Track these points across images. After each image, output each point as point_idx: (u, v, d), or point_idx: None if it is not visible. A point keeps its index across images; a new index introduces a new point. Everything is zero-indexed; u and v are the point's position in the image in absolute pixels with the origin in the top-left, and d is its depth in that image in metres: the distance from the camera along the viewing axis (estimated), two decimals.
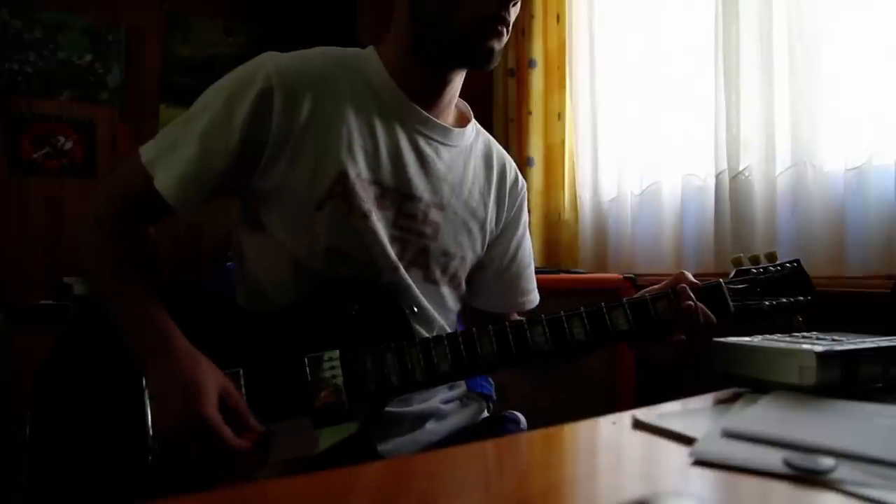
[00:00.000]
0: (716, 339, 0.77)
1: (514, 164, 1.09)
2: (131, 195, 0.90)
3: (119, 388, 0.85)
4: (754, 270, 0.95)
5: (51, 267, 2.70)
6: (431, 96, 0.94)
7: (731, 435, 0.53)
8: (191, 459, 0.78)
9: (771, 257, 0.95)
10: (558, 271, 2.03)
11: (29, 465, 0.87)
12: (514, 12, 0.90)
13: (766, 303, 0.92)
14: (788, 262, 0.96)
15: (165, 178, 0.87)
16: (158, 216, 0.91)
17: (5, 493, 2.13)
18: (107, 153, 2.88)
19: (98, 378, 0.88)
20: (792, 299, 0.93)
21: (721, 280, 0.92)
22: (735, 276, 0.95)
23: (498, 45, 0.88)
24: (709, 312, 0.87)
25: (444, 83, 0.94)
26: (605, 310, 0.87)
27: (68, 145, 2.81)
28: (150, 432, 0.82)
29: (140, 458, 0.82)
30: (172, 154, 0.87)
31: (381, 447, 0.89)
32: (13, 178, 2.71)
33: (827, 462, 0.45)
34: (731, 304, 0.90)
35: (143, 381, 0.84)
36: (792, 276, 0.94)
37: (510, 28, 0.90)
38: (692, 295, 0.87)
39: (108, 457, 0.85)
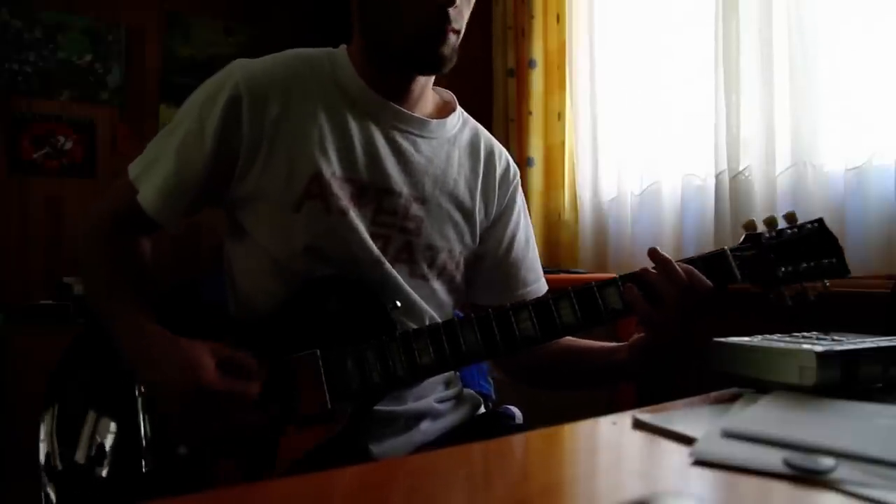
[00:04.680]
0: (716, 339, 0.77)
1: (505, 153, 1.07)
2: (121, 211, 0.93)
3: (122, 392, 0.86)
4: (767, 235, 0.84)
5: (51, 267, 2.70)
6: (401, 92, 0.94)
7: (731, 435, 0.53)
8: (212, 432, 0.80)
9: (790, 218, 0.84)
10: (558, 271, 2.03)
11: (42, 467, 0.87)
12: (464, 13, 0.88)
13: (782, 269, 0.83)
14: (809, 223, 0.84)
15: (146, 193, 0.89)
16: (149, 230, 0.94)
17: (5, 493, 2.13)
18: (107, 153, 2.88)
19: (108, 381, 0.89)
20: (813, 263, 0.82)
21: (725, 248, 0.84)
22: (744, 241, 0.85)
23: (447, 50, 0.87)
24: (700, 276, 0.81)
25: (409, 80, 0.93)
26: (595, 289, 0.83)
27: (68, 145, 2.81)
28: (143, 442, 0.83)
29: (134, 465, 0.83)
30: (153, 168, 0.90)
31: (375, 448, 0.88)
32: (13, 178, 2.71)
33: (827, 462, 0.44)
34: (737, 273, 0.83)
35: (136, 391, 0.85)
36: (813, 238, 0.83)
37: (461, 30, 0.88)
38: (663, 255, 0.82)
39: (106, 461, 0.85)
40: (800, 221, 0.85)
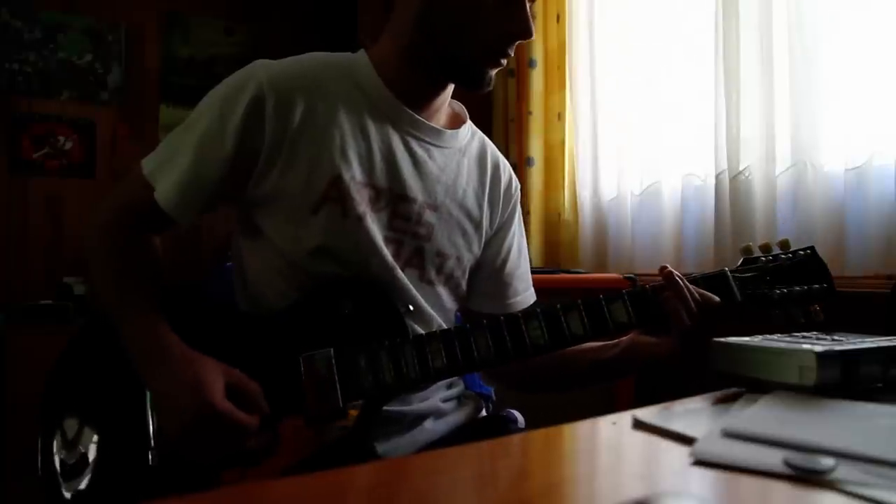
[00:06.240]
0: (716, 339, 0.77)
1: (508, 166, 1.09)
2: (135, 207, 0.92)
3: (125, 389, 0.86)
4: (763, 258, 0.91)
5: (51, 267, 2.70)
6: (423, 100, 0.94)
7: (731, 435, 0.53)
8: (208, 454, 0.79)
9: (784, 245, 0.91)
10: (558, 271, 2.03)
11: (42, 470, 0.87)
12: None
13: (777, 291, 0.88)
14: (801, 250, 0.91)
15: (163, 189, 0.88)
16: (162, 227, 0.93)
17: (6, 492, 2.13)
18: (107, 153, 2.88)
19: (108, 379, 0.89)
20: (805, 287, 0.89)
21: (726, 269, 0.90)
22: (742, 264, 0.91)
23: (494, 73, 0.91)
24: (709, 294, 0.85)
25: (437, 90, 0.95)
26: (603, 302, 0.86)
27: (68, 145, 2.81)
28: (151, 439, 0.84)
29: (141, 459, 0.83)
30: (170, 165, 0.89)
31: (380, 447, 0.89)
32: (13, 178, 2.71)
33: (827, 462, 0.45)
34: (737, 293, 0.88)
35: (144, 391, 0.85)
36: (805, 264, 0.90)
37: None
38: (679, 282, 0.85)
39: (111, 457, 0.86)
40: (793, 248, 0.91)
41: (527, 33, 0.88)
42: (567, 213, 2.27)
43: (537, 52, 2.34)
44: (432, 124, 0.96)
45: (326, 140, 0.88)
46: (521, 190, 1.11)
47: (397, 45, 0.92)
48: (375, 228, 0.89)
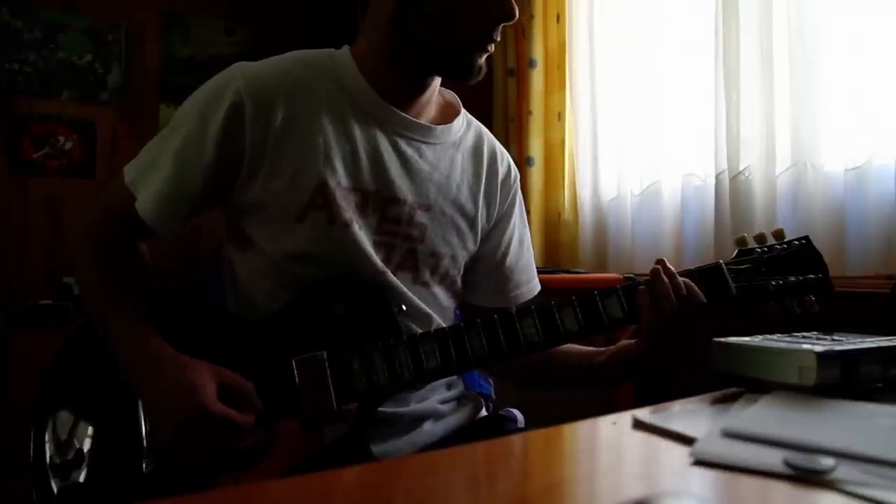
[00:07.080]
0: (716, 339, 0.77)
1: (506, 155, 1.06)
2: (117, 214, 0.91)
3: (120, 390, 0.85)
4: (758, 250, 0.89)
5: (51, 267, 2.70)
6: (408, 98, 0.92)
7: (731, 435, 0.53)
8: (201, 456, 0.79)
9: (778, 235, 0.90)
10: (558, 271, 2.03)
11: (33, 466, 0.87)
12: None
13: (773, 283, 0.87)
14: (796, 240, 0.90)
15: (144, 200, 0.87)
16: (146, 235, 0.92)
17: (5, 493, 2.13)
18: (107, 153, 2.88)
19: (103, 379, 0.88)
20: (801, 277, 0.87)
21: (721, 261, 0.88)
22: (737, 256, 0.90)
23: (482, 62, 0.89)
24: (695, 288, 0.84)
25: (422, 88, 0.93)
26: (597, 297, 0.85)
27: (68, 145, 2.81)
28: (144, 440, 0.83)
29: (135, 465, 0.83)
30: (151, 173, 0.88)
31: (377, 449, 0.88)
32: (13, 178, 2.71)
33: (827, 462, 0.45)
34: (732, 285, 0.86)
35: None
36: (800, 254, 0.88)
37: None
38: (661, 278, 0.84)
39: (104, 462, 0.85)
40: (787, 238, 0.90)
41: (510, 15, 0.86)
42: (567, 213, 2.27)
43: (537, 52, 2.35)
44: (421, 121, 0.94)
45: (310, 146, 0.86)
46: (522, 190, 1.09)
47: (373, 48, 0.90)
48: (363, 235, 0.88)
